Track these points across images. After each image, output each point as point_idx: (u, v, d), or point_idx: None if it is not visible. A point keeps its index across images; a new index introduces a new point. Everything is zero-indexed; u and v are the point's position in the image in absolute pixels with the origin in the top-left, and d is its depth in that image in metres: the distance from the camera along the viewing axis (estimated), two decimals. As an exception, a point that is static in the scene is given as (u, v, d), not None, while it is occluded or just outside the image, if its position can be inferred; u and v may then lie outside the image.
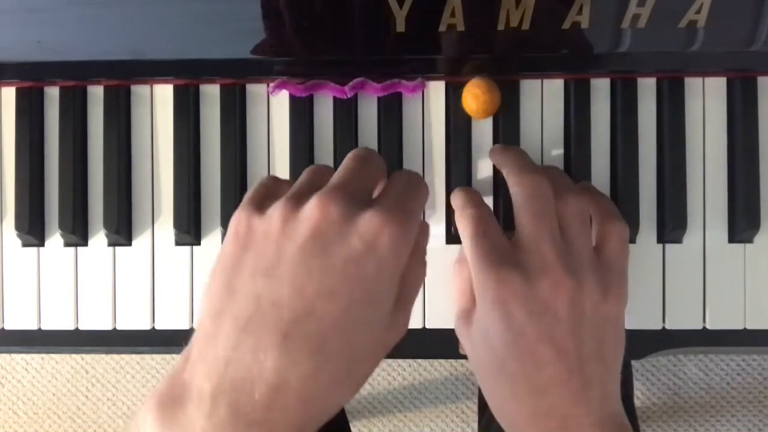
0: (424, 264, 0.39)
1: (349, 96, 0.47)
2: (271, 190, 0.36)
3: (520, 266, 0.39)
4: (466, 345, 0.42)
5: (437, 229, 0.48)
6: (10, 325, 0.49)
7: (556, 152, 0.47)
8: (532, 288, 0.38)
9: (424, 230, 0.40)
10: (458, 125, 0.47)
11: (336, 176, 0.35)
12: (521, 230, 0.40)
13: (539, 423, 0.38)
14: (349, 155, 0.37)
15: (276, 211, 0.32)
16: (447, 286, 0.47)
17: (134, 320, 0.48)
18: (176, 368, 0.31)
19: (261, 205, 0.33)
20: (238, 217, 0.33)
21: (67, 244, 0.49)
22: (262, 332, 0.30)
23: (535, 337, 0.38)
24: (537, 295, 0.38)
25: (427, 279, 0.47)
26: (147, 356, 1.26)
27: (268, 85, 0.48)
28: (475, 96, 0.45)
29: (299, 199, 0.33)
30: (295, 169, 0.48)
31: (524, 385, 0.38)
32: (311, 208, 0.32)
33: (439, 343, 0.47)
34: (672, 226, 0.46)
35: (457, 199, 0.44)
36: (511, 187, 0.42)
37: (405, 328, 0.36)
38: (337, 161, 0.47)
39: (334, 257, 0.31)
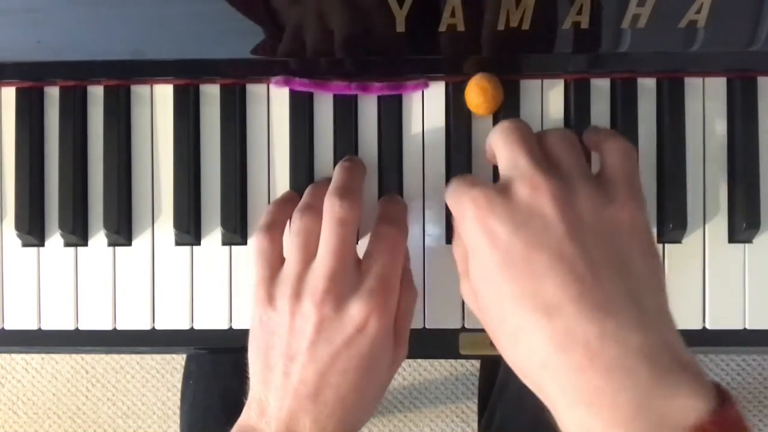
0: (413, 288, 0.44)
1: (352, 89, 0.47)
2: (274, 261, 0.42)
3: (495, 185, 0.36)
4: (472, 306, 0.39)
5: (437, 229, 0.48)
6: (10, 325, 0.49)
7: (556, 152, 0.47)
8: (510, 197, 0.34)
9: (406, 256, 0.45)
10: (458, 125, 0.47)
11: (321, 263, 0.40)
12: (499, 164, 0.37)
13: (563, 358, 0.31)
14: (326, 214, 0.41)
15: (284, 307, 0.41)
16: (447, 286, 0.47)
17: (134, 320, 0.48)
18: (245, 418, 0.42)
19: (271, 297, 0.41)
20: (259, 311, 0.42)
21: (67, 244, 0.49)
22: (298, 400, 0.40)
23: (525, 247, 0.33)
24: (517, 203, 0.34)
25: (427, 279, 0.47)
26: (147, 356, 1.26)
27: (268, 86, 0.48)
28: (483, 89, 0.45)
29: (299, 295, 0.40)
30: (295, 169, 0.48)
31: (529, 307, 0.32)
32: (309, 311, 0.40)
33: (439, 343, 0.47)
34: (672, 226, 0.46)
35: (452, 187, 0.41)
36: (491, 141, 0.39)
37: (404, 357, 0.43)
38: (337, 161, 0.47)
39: (336, 344, 0.39)
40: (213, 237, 0.48)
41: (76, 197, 0.48)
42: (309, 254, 0.41)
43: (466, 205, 0.35)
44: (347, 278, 0.41)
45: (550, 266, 0.32)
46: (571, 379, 0.31)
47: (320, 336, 0.40)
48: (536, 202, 0.34)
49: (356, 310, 0.40)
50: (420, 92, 0.47)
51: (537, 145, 0.37)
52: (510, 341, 0.35)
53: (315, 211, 0.42)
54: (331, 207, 0.41)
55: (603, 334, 0.31)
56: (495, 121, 0.47)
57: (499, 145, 0.37)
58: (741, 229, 0.46)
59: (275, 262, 0.43)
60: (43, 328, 0.49)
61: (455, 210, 0.37)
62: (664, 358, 0.30)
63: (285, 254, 0.43)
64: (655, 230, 0.47)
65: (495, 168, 0.47)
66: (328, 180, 0.45)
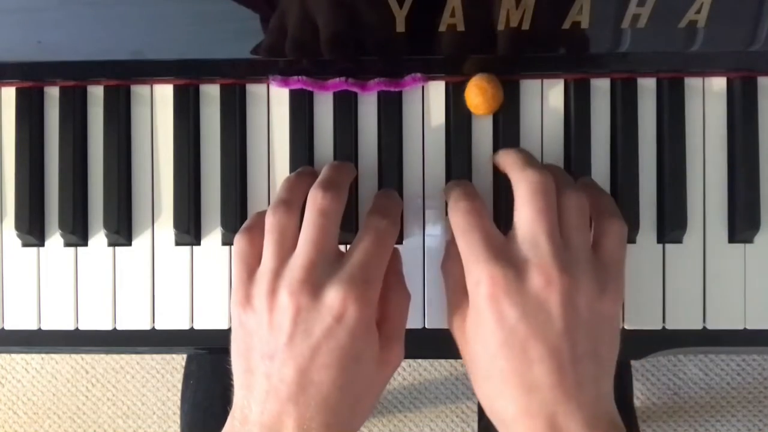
0: (405, 290, 0.44)
1: (349, 86, 0.47)
2: (252, 262, 0.42)
3: (513, 262, 0.39)
4: (459, 342, 0.42)
5: (436, 229, 0.48)
6: (10, 325, 0.49)
7: (556, 152, 0.47)
8: (524, 285, 0.38)
9: (397, 257, 0.45)
10: (458, 125, 0.47)
11: (299, 254, 0.40)
12: (519, 225, 0.40)
13: (527, 421, 0.38)
14: (309, 205, 0.41)
15: (262, 305, 0.40)
16: (447, 286, 0.47)
17: (134, 320, 0.48)
18: (228, 428, 0.41)
19: (248, 297, 0.41)
20: (237, 312, 0.41)
21: (67, 244, 0.49)
22: (279, 402, 0.39)
23: (526, 334, 0.38)
24: (530, 293, 0.38)
25: (427, 279, 0.47)
26: (147, 356, 1.26)
27: (268, 86, 0.48)
28: (482, 89, 0.45)
29: (275, 290, 0.40)
30: (295, 169, 0.47)
31: (514, 383, 0.38)
32: (285, 303, 0.39)
33: (439, 343, 0.47)
34: (672, 226, 0.46)
35: (450, 192, 0.44)
36: (513, 183, 0.41)
37: (399, 360, 0.42)
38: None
39: (315, 336, 0.38)
40: (213, 237, 0.48)
41: (76, 197, 0.48)
42: (284, 250, 0.40)
43: (483, 279, 0.38)
44: (326, 268, 0.39)
45: (543, 356, 0.37)
46: None
47: (298, 329, 0.38)
48: (546, 297, 0.38)
49: (332, 296, 0.38)
50: (420, 93, 0.47)
51: (556, 219, 0.39)
52: (488, 392, 0.40)
53: (289, 206, 0.42)
54: (313, 198, 0.41)
55: (566, 412, 0.37)
56: (495, 121, 0.47)
57: (525, 206, 0.40)
58: (741, 229, 0.46)
59: (253, 263, 0.42)
60: (43, 328, 0.49)
61: (470, 272, 0.40)
62: (603, 424, 0.38)
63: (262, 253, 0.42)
64: (655, 230, 0.47)
65: (495, 169, 0.47)
66: (305, 173, 0.45)
